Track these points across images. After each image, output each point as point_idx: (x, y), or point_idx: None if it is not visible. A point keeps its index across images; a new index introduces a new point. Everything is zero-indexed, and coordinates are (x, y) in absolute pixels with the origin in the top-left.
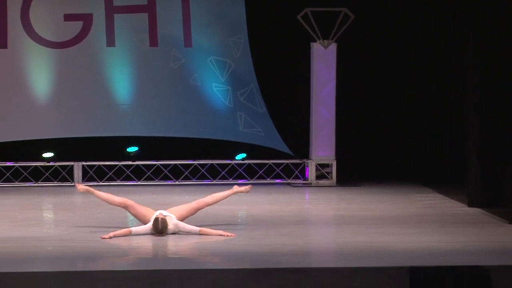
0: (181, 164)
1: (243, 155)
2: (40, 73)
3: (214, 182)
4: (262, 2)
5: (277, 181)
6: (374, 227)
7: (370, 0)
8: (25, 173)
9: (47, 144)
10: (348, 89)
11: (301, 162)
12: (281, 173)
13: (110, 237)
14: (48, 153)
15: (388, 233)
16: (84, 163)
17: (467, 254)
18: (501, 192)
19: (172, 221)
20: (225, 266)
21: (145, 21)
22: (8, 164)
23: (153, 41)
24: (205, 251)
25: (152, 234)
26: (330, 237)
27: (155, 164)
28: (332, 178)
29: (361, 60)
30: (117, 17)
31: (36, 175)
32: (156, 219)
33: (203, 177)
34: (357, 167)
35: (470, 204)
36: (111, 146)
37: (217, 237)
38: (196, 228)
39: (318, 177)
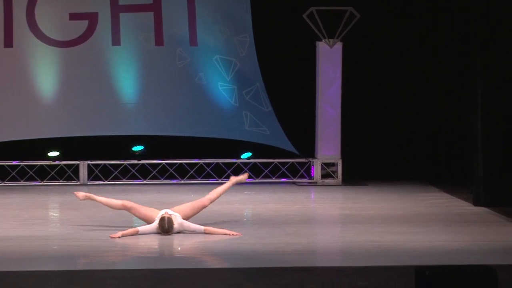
0: (186, 163)
1: (249, 154)
2: (45, 72)
3: (219, 181)
4: (268, 1)
5: (283, 180)
6: (379, 226)
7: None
8: (31, 172)
9: (53, 143)
10: (353, 88)
11: (306, 161)
12: (286, 172)
13: (119, 237)
14: (53, 152)
15: (394, 232)
16: (89, 162)
17: (473, 253)
18: (507, 191)
19: (178, 220)
20: (230, 265)
21: (151, 20)
22: (14, 163)
23: (159, 40)
24: (209, 250)
25: (158, 233)
26: (335, 236)
27: (160, 163)
28: (337, 177)
29: (367, 59)
30: (123, 16)
31: (42, 174)
32: (162, 218)
33: (208, 176)
34: (363, 166)
35: (476, 203)
36: (116, 145)
37: (222, 236)
38: (201, 227)
39: (324, 176)
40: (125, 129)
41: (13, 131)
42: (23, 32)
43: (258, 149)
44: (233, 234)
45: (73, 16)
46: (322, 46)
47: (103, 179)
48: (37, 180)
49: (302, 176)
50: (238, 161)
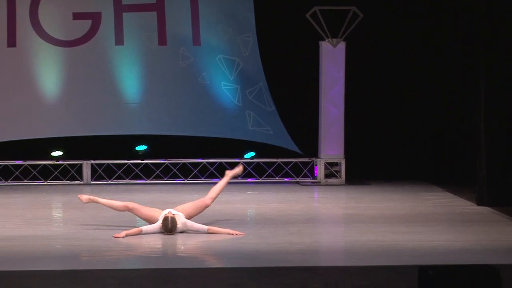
0: (190, 163)
1: (252, 153)
2: (49, 72)
3: None
4: (271, 0)
5: (286, 179)
6: (383, 226)
7: None
8: (34, 172)
9: (56, 143)
10: (357, 87)
11: (310, 160)
12: (289, 172)
13: (123, 237)
14: (57, 152)
15: (397, 231)
16: (93, 161)
17: (476, 252)
18: (510, 191)
19: (181, 220)
20: (233, 264)
21: (154, 19)
22: (17, 162)
23: (162, 40)
24: (212, 249)
25: (161, 233)
26: (338, 236)
27: (164, 163)
28: (341, 177)
29: (370, 59)
30: (126, 16)
31: (45, 173)
32: (166, 218)
33: (212, 176)
34: (366, 166)
35: (479, 203)
36: (120, 145)
37: (225, 236)
38: (204, 227)
39: (327, 175)
40: (129, 128)
41: (17, 131)
42: (26, 31)
43: (262, 149)
44: (236, 234)
45: (77, 16)
46: (325, 46)
47: (107, 178)
48: (41, 180)
49: (305, 176)
50: (241, 160)
